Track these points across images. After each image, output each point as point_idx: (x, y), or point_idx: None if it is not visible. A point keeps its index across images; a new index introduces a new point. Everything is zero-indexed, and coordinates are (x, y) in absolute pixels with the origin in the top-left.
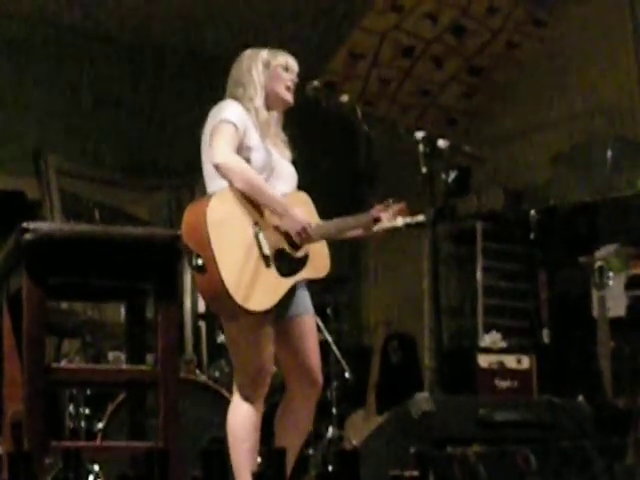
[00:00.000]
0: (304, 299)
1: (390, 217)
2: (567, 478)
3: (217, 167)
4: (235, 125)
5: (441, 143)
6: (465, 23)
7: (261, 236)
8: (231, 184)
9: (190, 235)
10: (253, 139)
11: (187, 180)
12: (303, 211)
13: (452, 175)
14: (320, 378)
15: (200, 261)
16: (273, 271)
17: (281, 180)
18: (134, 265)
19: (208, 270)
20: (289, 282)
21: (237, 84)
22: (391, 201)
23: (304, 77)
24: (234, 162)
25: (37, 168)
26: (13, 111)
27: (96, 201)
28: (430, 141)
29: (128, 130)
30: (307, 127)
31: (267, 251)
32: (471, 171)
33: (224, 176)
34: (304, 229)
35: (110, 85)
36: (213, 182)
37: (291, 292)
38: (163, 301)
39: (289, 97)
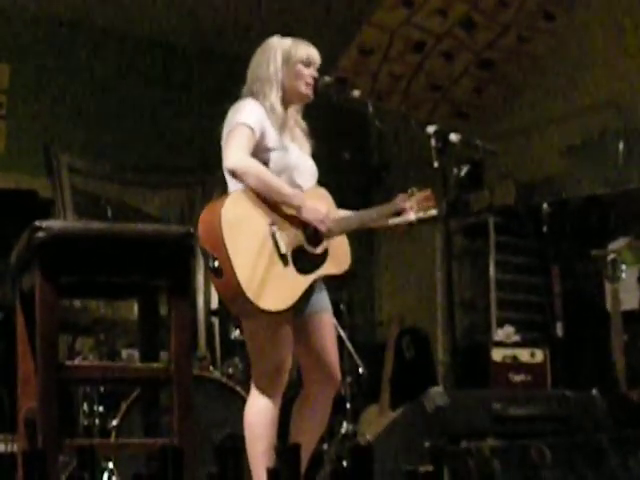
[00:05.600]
0: (322, 296)
1: (414, 206)
2: (581, 471)
3: (229, 172)
4: (251, 128)
5: (453, 137)
6: (475, 17)
7: (278, 235)
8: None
9: (206, 237)
10: (272, 140)
11: (199, 177)
12: (322, 204)
13: (464, 169)
14: (338, 374)
15: (216, 263)
16: (291, 270)
17: (302, 177)
18: (147, 262)
19: (224, 271)
20: (308, 279)
21: (255, 77)
22: (415, 189)
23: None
24: (245, 164)
25: (49, 166)
26: (25, 109)
27: (108, 199)
28: (442, 135)
29: (140, 128)
30: (319, 123)
31: (285, 250)
32: (483, 165)
33: (238, 180)
34: (325, 216)
35: (122, 83)
36: (234, 180)
37: (310, 289)
38: (176, 298)
39: (309, 93)
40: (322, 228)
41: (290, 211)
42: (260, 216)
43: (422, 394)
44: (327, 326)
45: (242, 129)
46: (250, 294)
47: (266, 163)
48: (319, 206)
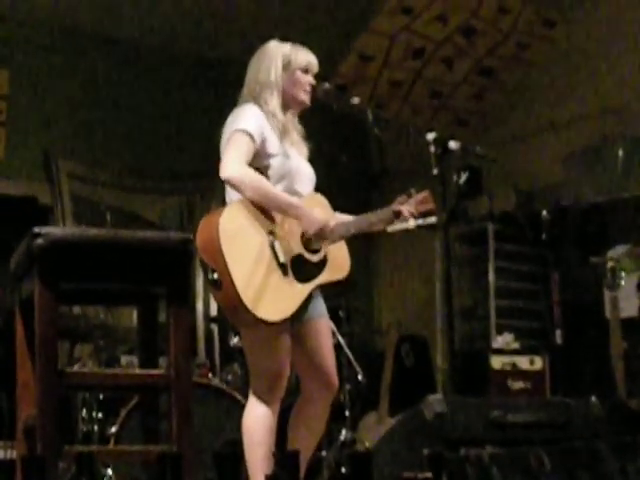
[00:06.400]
0: (319, 302)
1: (412, 209)
2: (580, 478)
3: (225, 181)
4: (250, 134)
5: (452, 144)
6: (475, 24)
7: (276, 245)
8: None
9: (204, 249)
10: (273, 145)
11: (199, 184)
12: (320, 212)
13: (463, 176)
14: (335, 381)
15: (215, 275)
16: (291, 279)
17: (301, 183)
18: (146, 269)
19: (223, 283)
20: (308, 287)
21: (255, 81)
22: (413, 191)
23: (315, 80)
24: (240, 175)
25: (48, 173)
26: (24, 116)
27: (108, 205)
28: (441, 142)
29: (140, 134)
30: (318, 129)
31: (283, 259)
32: (482, 172)
33: (234, 189)
34: (322, 227)
35: (122, 89)
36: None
37: (309, 296)
38: (175, 305)
39: (307, 100)
40: (317, 239)
41: (288, 219)
42: (258, 226)
43: (421, 401)
44: (324, 332)
45: (241, 136)
46: (249, 305)
47: (267, 169)
48: (318, 215)
